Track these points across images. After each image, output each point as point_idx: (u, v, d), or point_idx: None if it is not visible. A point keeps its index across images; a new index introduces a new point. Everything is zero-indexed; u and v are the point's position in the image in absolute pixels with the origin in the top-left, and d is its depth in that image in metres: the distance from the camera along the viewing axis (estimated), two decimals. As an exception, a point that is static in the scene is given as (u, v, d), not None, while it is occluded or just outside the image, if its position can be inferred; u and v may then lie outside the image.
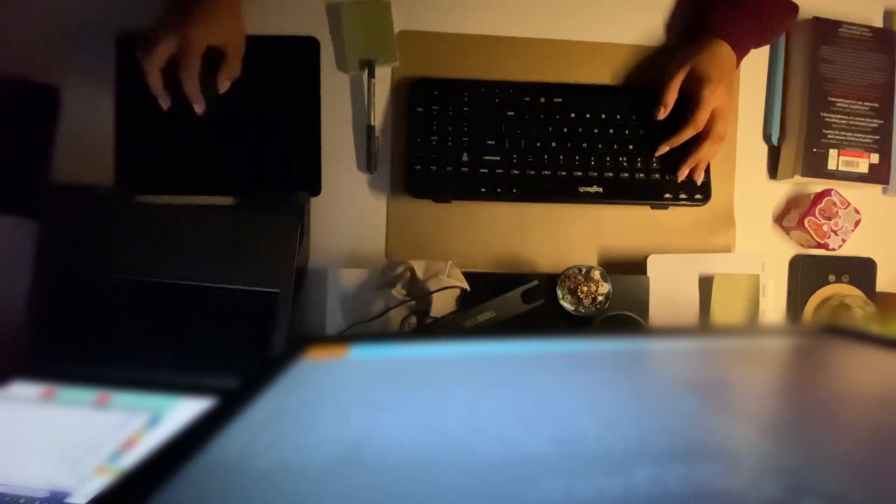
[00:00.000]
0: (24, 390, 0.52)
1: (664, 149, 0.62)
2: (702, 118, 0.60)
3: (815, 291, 0.68)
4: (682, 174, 0.63)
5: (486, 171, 0.62)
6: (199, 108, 0.57)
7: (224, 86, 0.58)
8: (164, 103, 0.56)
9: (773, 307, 0.67)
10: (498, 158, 0.62)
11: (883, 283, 0.69)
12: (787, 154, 0.68)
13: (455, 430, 0.16)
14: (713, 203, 0.65)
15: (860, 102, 0.66)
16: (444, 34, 0.66)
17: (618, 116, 0.64)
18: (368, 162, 0.64)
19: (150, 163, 0.63)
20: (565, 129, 0.63)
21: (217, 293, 0.56)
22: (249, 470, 0.14)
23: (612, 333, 0.30)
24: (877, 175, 0.66)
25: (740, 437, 0.16)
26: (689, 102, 0.61)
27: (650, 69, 0.67)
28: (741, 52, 0.62)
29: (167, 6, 0.55)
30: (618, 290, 0.62)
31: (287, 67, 0.64)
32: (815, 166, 0.65)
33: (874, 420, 0.17)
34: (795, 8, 0.65)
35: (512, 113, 0.63)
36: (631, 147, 0.64)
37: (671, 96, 0.61)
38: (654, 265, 0.65)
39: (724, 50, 0.60)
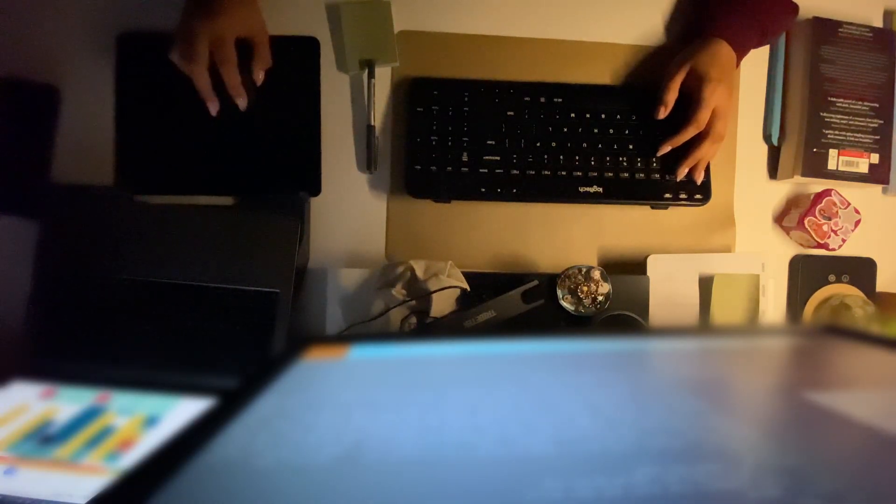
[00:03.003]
0: (24, 390, 0.52)
1: (666, 148, 0.62)
2: (703, 117, 0.60)
3: (815, 291, 0.68)
4: (682, 173, 0.63)
5: (486, 171, 0.62)
6: (242, 102, 0.57)
7: (259, 77, 0.57)
8: (214, 107, 0.56)
9: (773, 307, 0.67)
10: (498, 158, 0.62)
11: (883, 283, 0.69)
12: (787, 154, 0.68)
13: (455, 430, 0.16)
14: (713, 203, 0.65)
15: (860, 102, 0.66)
16: (444, 34, 0.66)
17: (618, 116, 0.64)
18: (368, 162, 0.64)
19: (150, 163, 0.63)
20: (565, 129, 0.63)
21: (217, 293, 0.56)
22: (249, 470, 0.14)
23: (612, 333, 0.30)
24: (877, 175, 0.66)
25: (740, 437, 0.16)
26: (689, 102, 0.61)
27: (650, 69, 0.67)
28: (741, 52, 0.62)
29: (185, 8, 0.54)
30: (618, 290, 0.62)
31: (287, 67, 0.63)
32: (815, 166, 0.65)
33: (874, 420, 0.17)
34: (795, 7, 0.65)
35: (512, 113, 0.63)
36: (631, 147, 0.64)
37: (671, 96, 0.61)
38: (654, 265, 0.65)
39: (724, 49, 0.60)
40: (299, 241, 0.58)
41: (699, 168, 0.63)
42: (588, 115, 0.64)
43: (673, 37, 0.68)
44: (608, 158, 0.63)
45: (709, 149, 0.61)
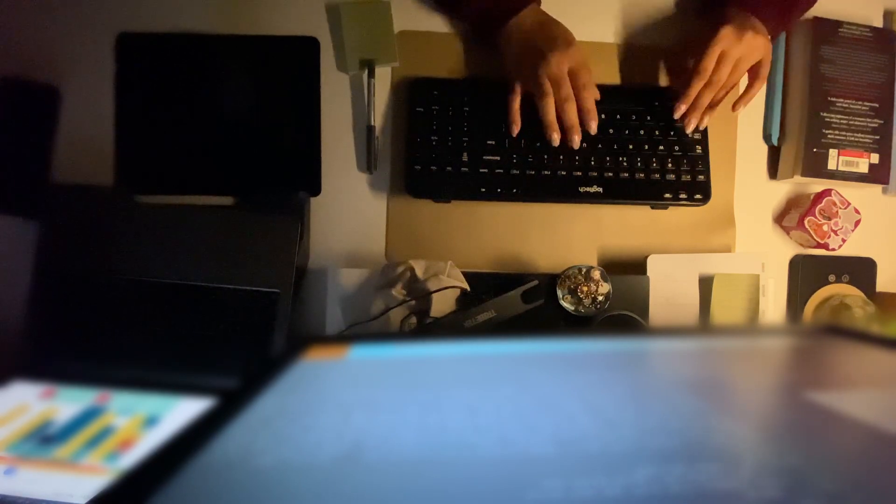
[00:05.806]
0: (24, 390, 0.52)
1: (682, 108, 0.61)
2: (706, 65, 0.58)
3: (815, 291, 0.68)
4: (690, 126, 0.61)
5: (486, 171, 0.62)
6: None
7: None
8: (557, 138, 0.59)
9: (773, 307, 0.67)
10: (498, 158, 0.62)
11: (883, 283, 0.69)
12: (787, 154, 0.68)
13: (455, 429, 0.16)
14: (713, 203, 0.65)
15: (860, 102, 0.66)
16: (444, 34, 0.66)
17: (618, 116, 0.64)
18: (368, 162, 0.63)
19: (150, 163, 0.63)
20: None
21: (217, 293, 0.56)
22: (249, 470, 0.14)
23: (612, 333, 0.30)
24: (877, 175, 0.66)
25: (740, 437, 0.16)
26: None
27: (650, 69, 0.67)
28: (772, 26, 0.60)
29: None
30: (618, 290, 0.62)
31: (287, 67, 0.64)
32: (815, 166, 0.65)
33: (874, 420, 0.17)
34: None
35: (512, 113, 0.63)
36: (631, 147, 0.63)
37: (707, 60, 0.58)
38: (654, 265, 0.64)
39: (750, 21, 0.59)
40: (299, 241, 0.58)
41: (701, 117, 0.61)
42: (588, 115, 0.64)
43: (673, 37, 0.68)
44: (608, 158, 0.63)
45: (707, 96, 0.60)
